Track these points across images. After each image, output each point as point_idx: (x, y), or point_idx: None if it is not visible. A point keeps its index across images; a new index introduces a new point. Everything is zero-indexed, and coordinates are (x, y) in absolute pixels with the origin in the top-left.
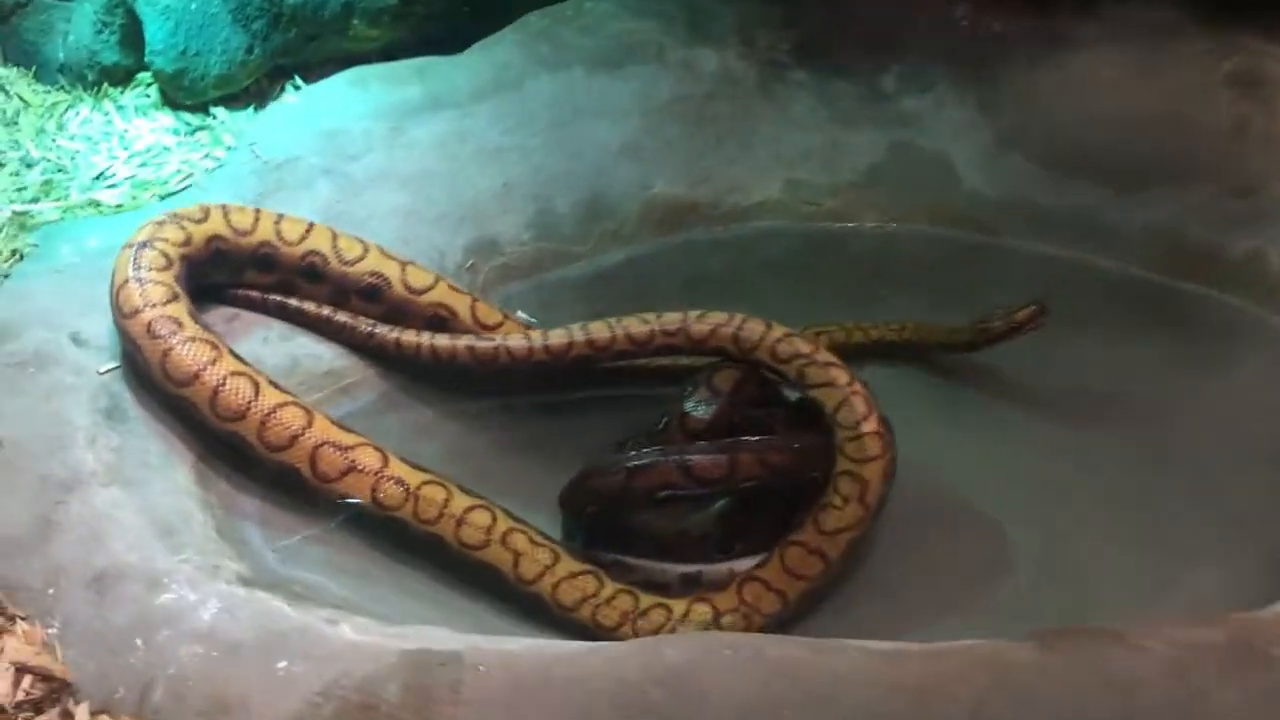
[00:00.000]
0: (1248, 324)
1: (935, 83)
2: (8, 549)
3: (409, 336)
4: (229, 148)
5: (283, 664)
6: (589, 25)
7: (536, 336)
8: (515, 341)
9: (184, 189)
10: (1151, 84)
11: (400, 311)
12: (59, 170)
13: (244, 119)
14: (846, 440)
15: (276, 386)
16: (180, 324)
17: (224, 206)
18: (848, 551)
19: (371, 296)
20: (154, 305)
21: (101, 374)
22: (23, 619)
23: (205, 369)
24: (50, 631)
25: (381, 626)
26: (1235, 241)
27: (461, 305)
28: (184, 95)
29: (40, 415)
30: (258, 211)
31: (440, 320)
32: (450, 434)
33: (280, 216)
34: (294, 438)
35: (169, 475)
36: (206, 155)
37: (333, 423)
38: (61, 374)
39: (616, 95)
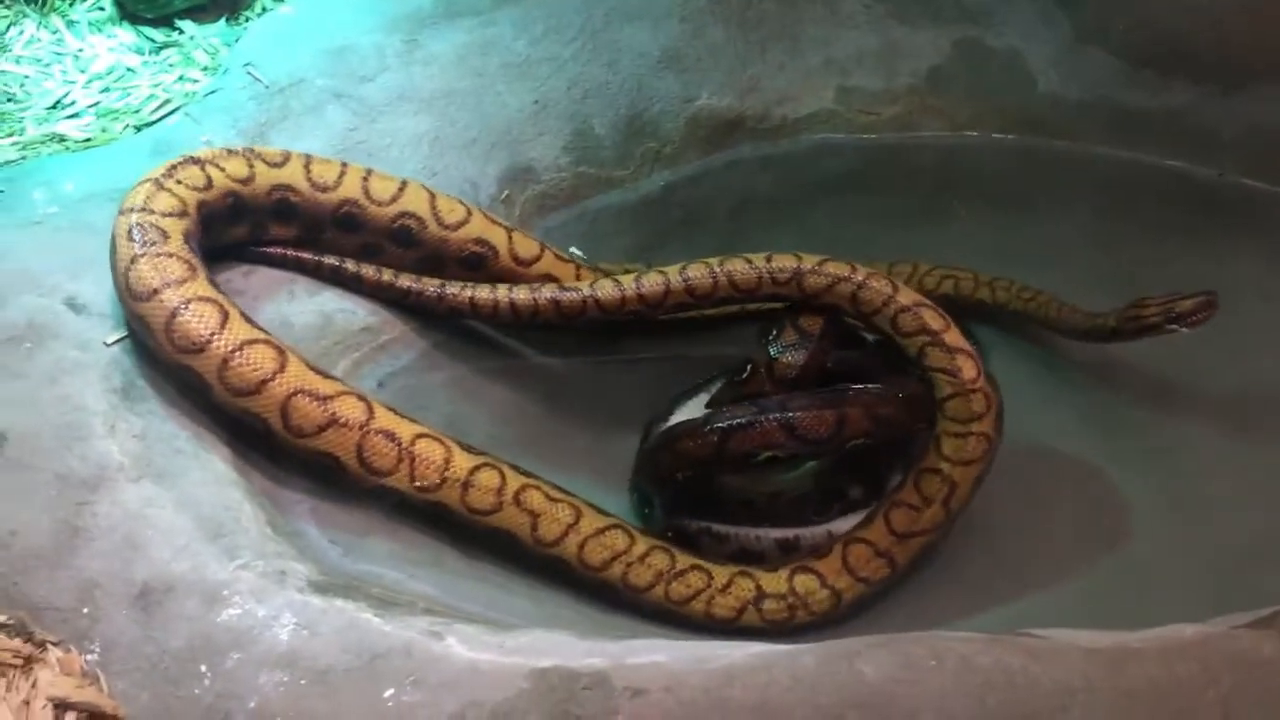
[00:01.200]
0: None
1: None
2: (29, 563)
3: (484, 294)
4: (205, 68)
5: (390, 692)
6: None
7: (628, 282)
8: (605, 291)
9: (164, 117)
10: None
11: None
12: (8, 99)
13: (216, 33)
14: (950, 435)
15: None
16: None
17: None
18: (919, 555)
19: (405, 241)
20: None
21: (109, 345)
22: (54, 645)
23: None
24: (90, 658)
25: (493, 635)
26: None
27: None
28: (144, 7)
29: (47, 401)
30: (247, 155)
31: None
32: (496, 395)
33: (305, 159)
34: (263, 382)
35: (205, 462)
36: (180, 77)
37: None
38: (63, 349)
39: None
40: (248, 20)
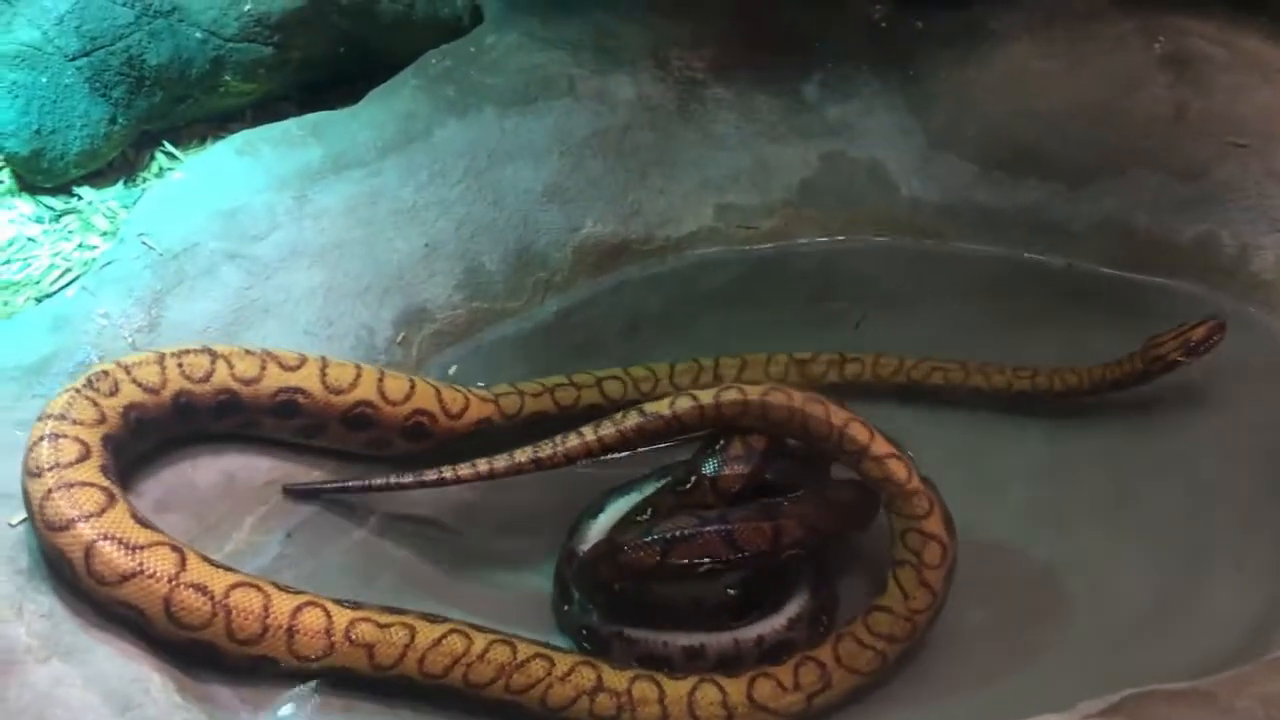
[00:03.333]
0: (1196, 308)
1: (860, 88)
2: None
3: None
4: (104, 233)
5: None
6: (494, 62)
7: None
8: (683, 406)
9: (64, 287)
10: (1082, 72)
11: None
12: None
13: (114, 196)
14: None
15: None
16: None
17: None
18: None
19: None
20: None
21: (14, 526)
22: None
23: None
24: None
25: None
26: (1185, 227)
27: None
28: (43, 178)
29: None
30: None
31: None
32: (406, 531)
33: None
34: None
35: (112, 637)
36: (80, 244)
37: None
38: None
39: (532, 134)
40: (145, 181)
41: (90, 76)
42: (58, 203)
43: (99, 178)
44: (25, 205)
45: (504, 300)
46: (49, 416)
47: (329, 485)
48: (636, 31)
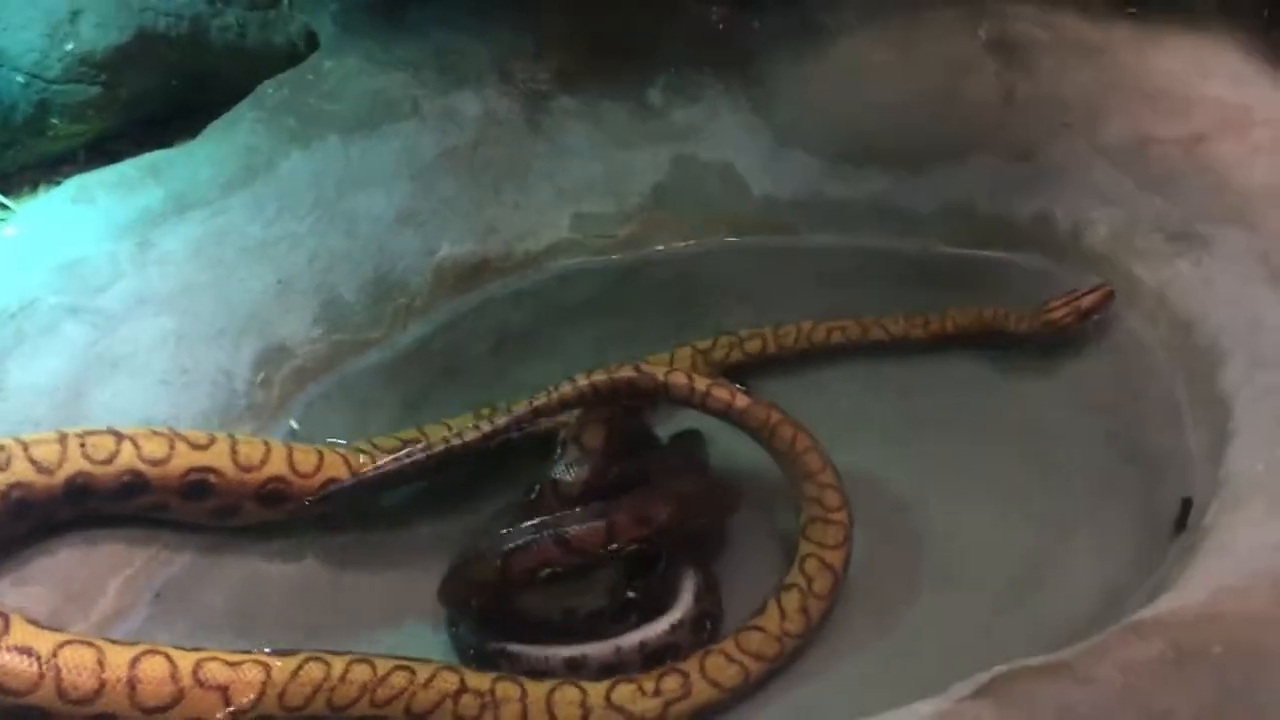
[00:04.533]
0: (1046, 281)
1: (704, 90)
2: None
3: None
4: None
5: None
6: (334, 88)
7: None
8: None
9: None
10: (916, 61)
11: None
12: None
13: None
14: (811, 556)
15: None
16: None
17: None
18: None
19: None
20: None
21: None
22: None
23: None
24: None
25: None
26: (1022, 206)
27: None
28: None
29: None
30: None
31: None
32: (286, 573)
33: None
34: None
35: None
36: None
37: None
38: None
39: (380, 160)
40: None
41: None
42: None
43: None
44: None
45: (365, 330)
46: None
47: (345, 482)
48: (478, 47)
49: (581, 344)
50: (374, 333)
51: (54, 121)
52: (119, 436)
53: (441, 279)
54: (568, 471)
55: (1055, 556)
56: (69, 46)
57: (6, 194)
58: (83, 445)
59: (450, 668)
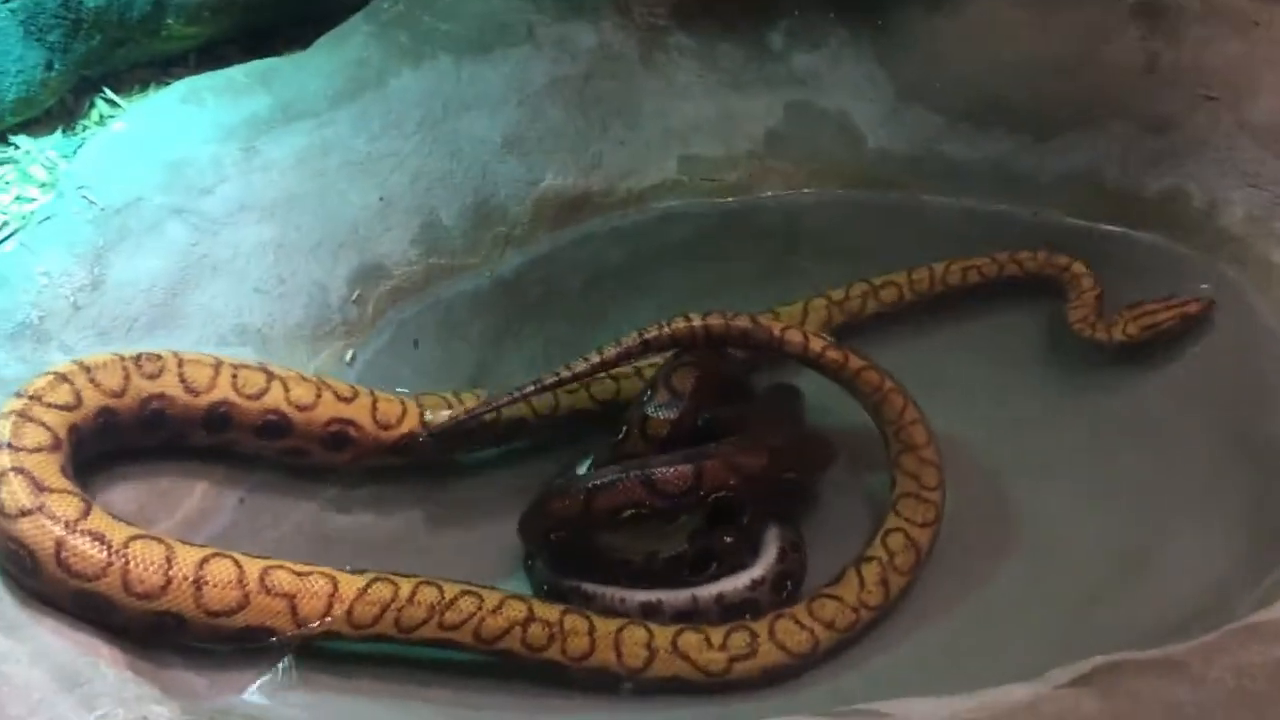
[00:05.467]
0: (1167, 261)
1: (827, 37)
2: None
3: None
4: (42, 184)
5: None
6: (449, 7)
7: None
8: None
9: (3, 241)
10: (1054, 24)
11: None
12: None
13: (53, 145)
14: (897, 530)
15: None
16: None
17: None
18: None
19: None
20: None
21: None
22: None
23: None
24: None
25: None
26: (1153, 180)
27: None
28: None
29: None
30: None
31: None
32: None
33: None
34: None
35: (55, 613)
36: (17, 197)
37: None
38: None
39: (490, 83)
40: (85, 130)
41: (24, 20)
42: None
43: (36, 126)
44: None
45: (462, 255)
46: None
47: (461, 416)
48: None
49: (678, 286)
50: (470, 259)
51: (169, 22)
52: (270, 375)
53: (542, 210)
54: (656, 412)
55: (1158, 546)
56: None
57: (116, 91)
58: (234, 376)
59: (518, 597)
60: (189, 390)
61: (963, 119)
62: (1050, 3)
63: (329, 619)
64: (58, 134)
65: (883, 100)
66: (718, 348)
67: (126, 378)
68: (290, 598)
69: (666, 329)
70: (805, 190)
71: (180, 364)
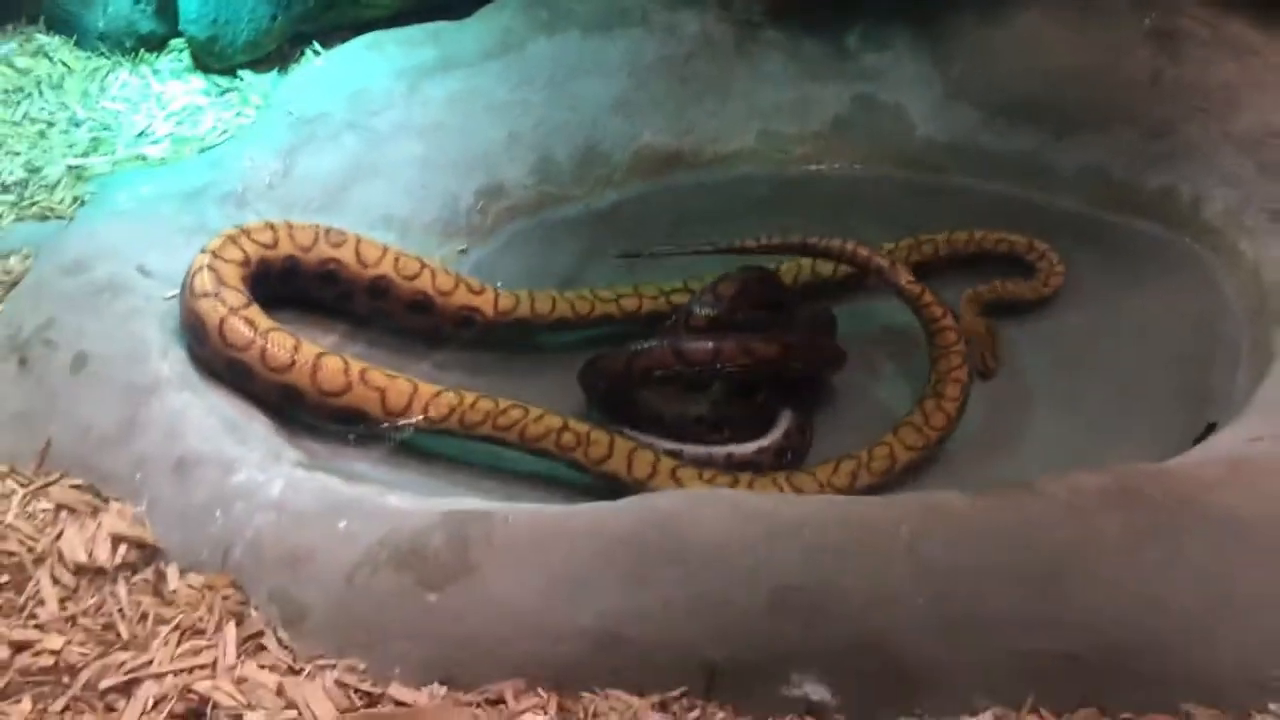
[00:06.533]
0: (1161, 247)
1: (893, 41)
2: (100, 445)
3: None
4: (257, 107)
5: (343, 524)
6: None
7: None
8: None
9: (221, 142)
10: (1082, 39)
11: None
12: (104, 128)
13: (268, 81)
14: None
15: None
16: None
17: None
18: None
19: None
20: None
21: (167, 299)
22: (115, 500)
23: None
24: (139, 510)
25: (423, 498)
26: (1151, 178)
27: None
28: (215, 60)
29: (119, 334)
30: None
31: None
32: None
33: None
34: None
35: (224, 386)
36: (238, 114)
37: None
38: (133, 300)
39: (608, 55)
40: (295, 70)
41: None
42: (224, 81)
43: (258, 65)
44: (198, 81)
45: (569, 188)
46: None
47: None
48: None
49: (746, 233)
50: (576, 191)
51: None
52: (422, 264)
53: (639, 160)
54: (699, 308)
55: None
56: None
57: (323, 45)
58: (397, 259)
59: (556, 413)
60: (360, 262)
61: (998, 115)
62: (1083, 22)
63: (410, 409)
64: (273, 73)
65: (933, 96)
66: (851, 265)
67: (315, 240)
68: (381, 391)
69: (821, 241)
70: (860, 166)
71: (358, 241)
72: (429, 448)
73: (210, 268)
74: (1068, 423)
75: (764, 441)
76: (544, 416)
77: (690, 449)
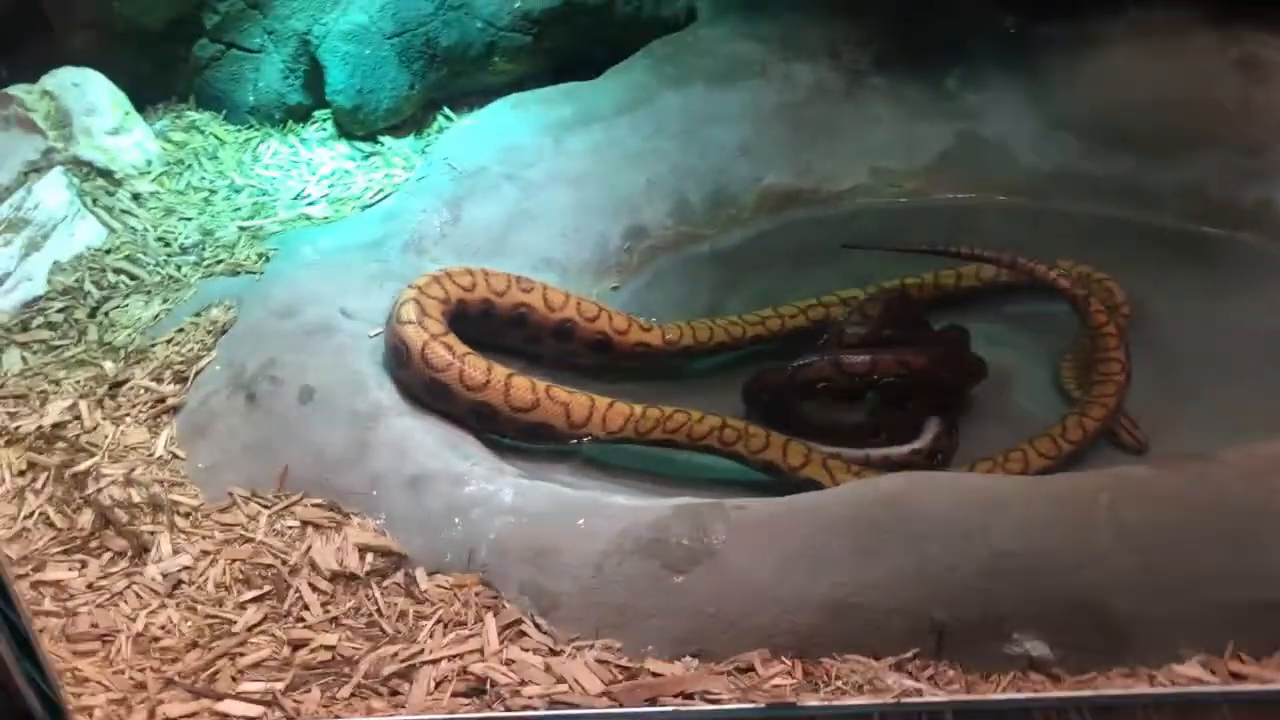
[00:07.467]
0: (1257, 257)
1: (991, 81)
2: (336, 466)
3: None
4: (401, 167)
5: (581, 521)
6: (705, 49)
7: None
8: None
9: (379, 201)
10: (1171, 71)
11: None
12: (263, 193)
13: (407, 144)
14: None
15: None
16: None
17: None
18: None
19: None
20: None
21: (371, 337)
22: (355, 515)
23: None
24: (378, 523)
25: (645, 498)
26: (1247, 193)
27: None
28: (358, 127)
29: (337, 368)
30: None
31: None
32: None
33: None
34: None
35: (433, 412)
36: (386, 175)
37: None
38: (342, 338)
39: (730, 105)
40: (429, 134)
41: (399, 52)
42: (366, 147)
43: (396, 130)
44: (342, 147)
45: (702, 227)
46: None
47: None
48: (816, 31)
49: (862, 263)
50: (709, 230)
51: (496, 60)
52: (600, 308)
53: (763, 199)
54: (850, 325)
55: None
56: (516, 4)
57: (453, 110)
58: (579, 304)
59: (715, 414)
60: (548, 306)
61: (1096, 143)
62: (1167, 55)
63: (590, 422)
64: (410, 137)
65: (1033, 129)
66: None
67: (508, 286)
68: (565, 405)
69: (1025, 260)
70: (969, 195)
71: (545, 288)
72: (610, 461)
73: (415, 300)
74: (1200, 409)
75: (917, 444)
76: (705, 418)
77: (849, 452)
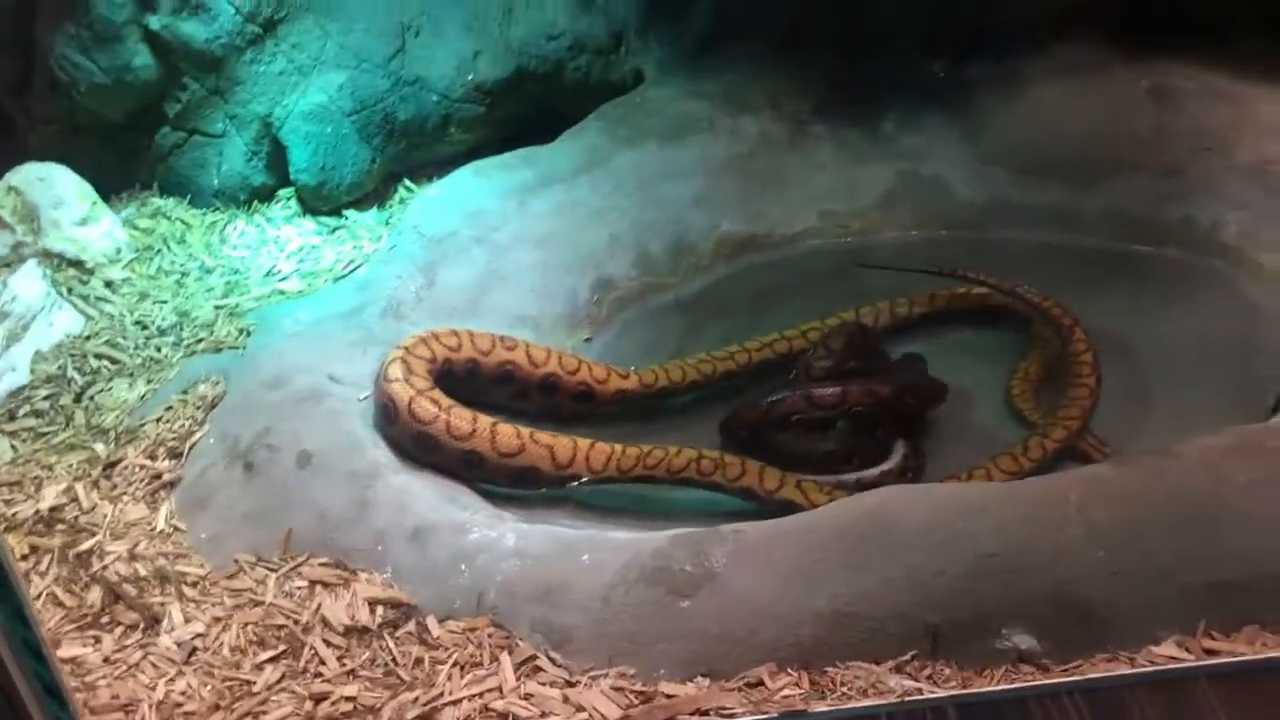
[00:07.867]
0: (1184, 269)
1: (926, 122)
2: (339, 525)
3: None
4: (367, 239)
5: (585, 557)
6: (654, 109)
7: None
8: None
9: (350, 272)
10: (1092, 104)
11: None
12: (234, 272)
13: (370, 217)
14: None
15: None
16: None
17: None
18: None
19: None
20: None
21: (361, 400)
22: (362, 571)
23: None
24: (385, 576)
25: (642, 532)
26: (1169, 212)
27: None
28: (322, 203)
29: (332, 432)
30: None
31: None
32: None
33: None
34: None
35: (427, 469)
36: (353, 247)
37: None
38: (333, 403)
39: (683, 160)
40: (391, 205)
41: (359, 129)
42: (331, 221)
43: (359, 204)
44: (308, 223)
45: (665, 275)
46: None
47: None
48: (758, 85)
49: (818, 300)
50: (671, 279)
51: (452, 130)
52: (580, 360)
53: (720, 247)
54: (816, 361)
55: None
56: (470, 77)
57: (412, 181)
58: (560, 358)
59: (691, 447)
60: (531, 362)
61: (1028, 174)
62: (1087, 90)
63: (575, 463)
64: (373, 210)
65: (967, 165)
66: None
67: (493, 345)
68: (549, 448)
69: (1027, 291)
70: (912, 232)
71: (528, 346)
72: (603, 504)
73: (402, 359)
74: (1155, 410)
75: (886, 465)
76: (681, 451)
77: (822, 479)
